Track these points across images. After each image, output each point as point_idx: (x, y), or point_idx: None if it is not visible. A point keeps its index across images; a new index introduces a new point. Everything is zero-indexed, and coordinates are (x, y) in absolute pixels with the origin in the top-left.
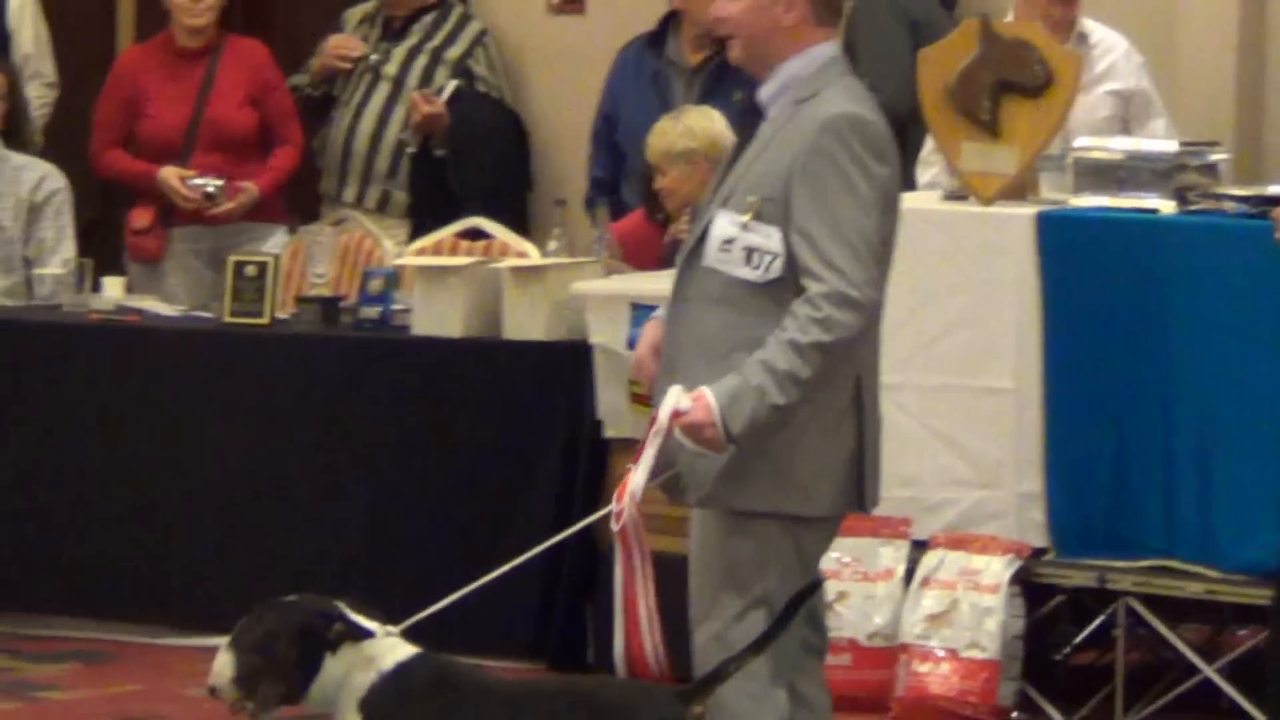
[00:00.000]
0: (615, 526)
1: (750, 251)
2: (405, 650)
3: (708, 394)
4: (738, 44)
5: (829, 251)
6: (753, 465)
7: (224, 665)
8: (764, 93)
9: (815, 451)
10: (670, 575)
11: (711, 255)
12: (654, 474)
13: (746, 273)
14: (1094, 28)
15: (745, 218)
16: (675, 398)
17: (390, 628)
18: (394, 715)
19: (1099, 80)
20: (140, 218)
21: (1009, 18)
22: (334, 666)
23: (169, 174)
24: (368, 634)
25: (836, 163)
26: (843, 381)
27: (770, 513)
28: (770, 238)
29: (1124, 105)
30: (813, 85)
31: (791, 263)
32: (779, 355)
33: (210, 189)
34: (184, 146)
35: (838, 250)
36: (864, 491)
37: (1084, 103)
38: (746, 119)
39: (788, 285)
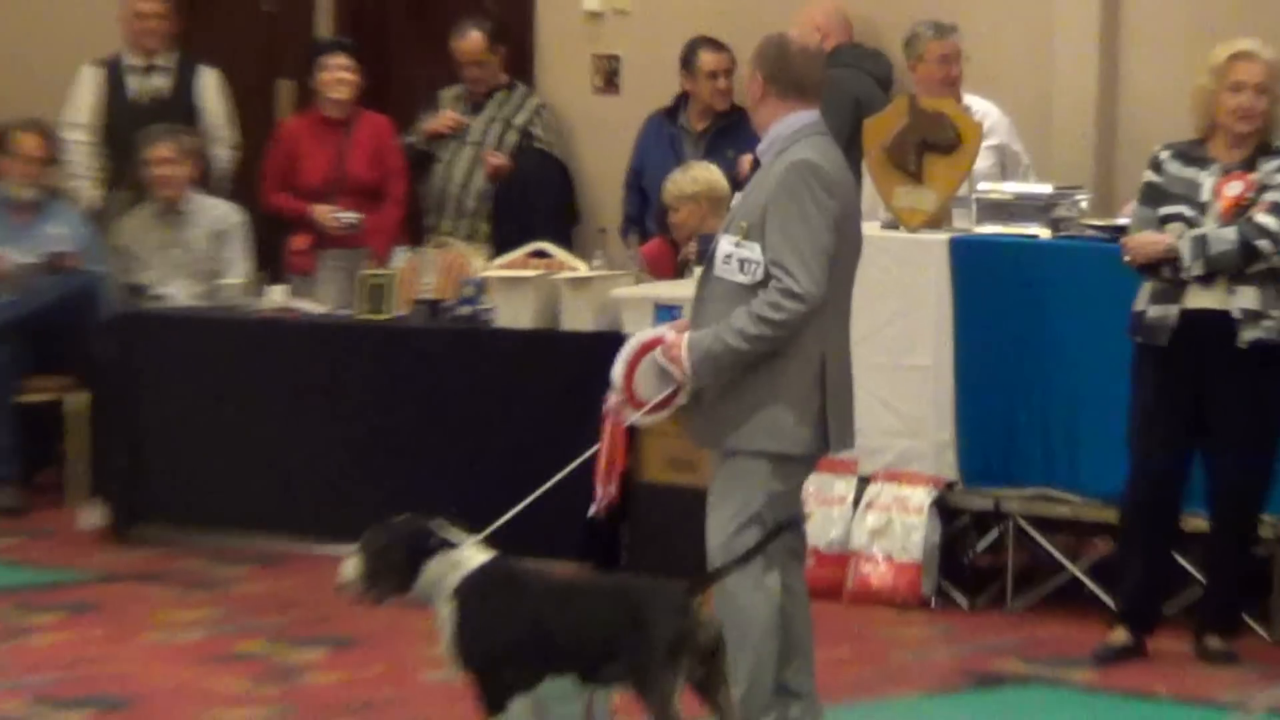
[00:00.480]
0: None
1: (743, 262)
2: (485, 555)
3: (685, 337)
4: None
5: (784, 259)
6: (747, 417)
7: (351, 567)
8: (759, 149)
9: (793, 406)
10: (695, 504)
11: (718, 267)
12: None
13: (741, 278)
14: (973, 100)
15: (738, 238)
16: (665, 329)
17: (474, 537)
18: (478, 602)
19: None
20: (300, 242)
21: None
22: (433, 568)
23: (320, 210)
24: (457, 544)
25: (795, 195)
26: (813, 354)
27: (760, 452)
28: (754, 251)
29: (1001, 156)
30: (790, 142)
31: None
32: (737, 316)
33: (351, 220)
34: (328, 191)
35: (790, 259)
36: (829, 437)
37: None
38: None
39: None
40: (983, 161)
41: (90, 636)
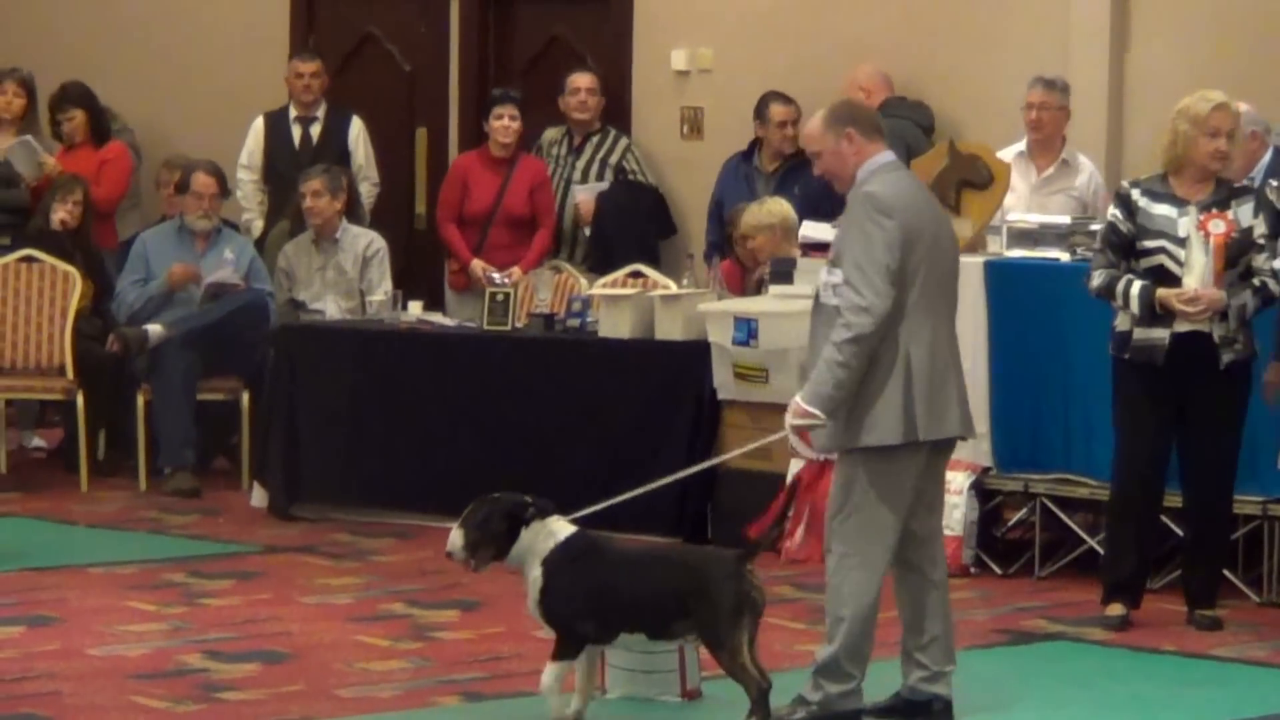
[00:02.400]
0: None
1: (834, 287)
2: (570, 528)
3: (796, 397)
4: (819, 166)
5: (851, 277)
6: (845, 418)
7: (455, 538)
8: (849, 190)
9: (880, 402)
10: (769, 486)
11: (823, 296)
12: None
13: (834, 301)
14: (1074, 155)
15: (830, 267)
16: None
17: (566, 515)
18: (563, 568)
19: (1065, 189)
20: (455, 264)
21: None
22: (526, 538)
23: (475, 265)
24: (548, 517)
25: (857, 221)
26: (898, 354)
27: (857, 448)
28: (837, 275)
29: (1081, 207)
30: (864, 180)
31: None
32: (827, 349)
33: (498, 279)
34: (487, 220)
35: (855, 276)
36: (917, 426)
37: (1050, 199)
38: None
39: None
40: (1054, 205)
41: (256, 599)
